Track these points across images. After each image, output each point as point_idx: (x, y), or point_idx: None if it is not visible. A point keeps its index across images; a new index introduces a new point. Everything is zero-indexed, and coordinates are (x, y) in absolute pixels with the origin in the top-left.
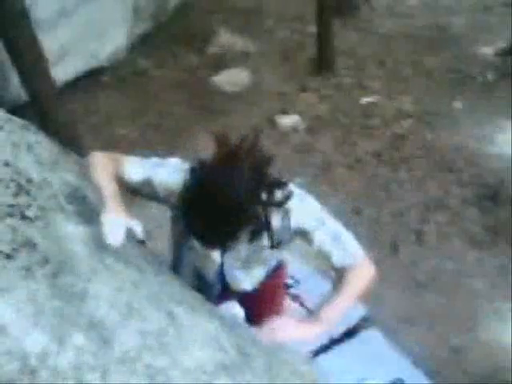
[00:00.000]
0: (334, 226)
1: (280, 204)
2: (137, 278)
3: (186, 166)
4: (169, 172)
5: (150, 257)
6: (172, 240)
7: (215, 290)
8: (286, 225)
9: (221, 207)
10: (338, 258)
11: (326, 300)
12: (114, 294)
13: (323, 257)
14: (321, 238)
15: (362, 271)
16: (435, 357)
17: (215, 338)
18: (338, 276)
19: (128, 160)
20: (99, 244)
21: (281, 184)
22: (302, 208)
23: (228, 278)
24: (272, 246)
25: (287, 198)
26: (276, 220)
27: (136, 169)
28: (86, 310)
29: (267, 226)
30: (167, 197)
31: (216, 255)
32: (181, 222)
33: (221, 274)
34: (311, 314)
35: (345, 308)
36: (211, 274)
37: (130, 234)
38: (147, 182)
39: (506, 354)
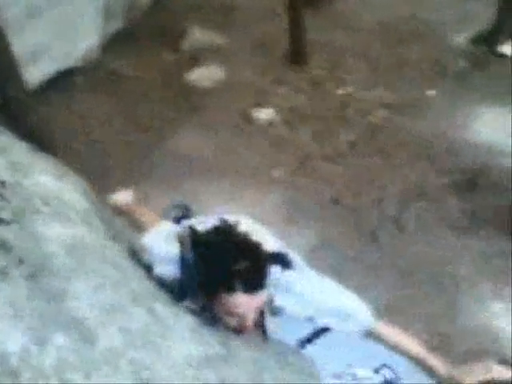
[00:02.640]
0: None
1: None
2: (117, 277)
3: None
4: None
5: (128, 254)
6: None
7: None
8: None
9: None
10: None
11: None
12: (95, 292)
13: None
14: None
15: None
16: (420, 342)
17: (198, 331)
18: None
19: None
20: (77, 244)
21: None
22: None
23: None
24: None
25: None
26: None
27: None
28: (66, 309)
29: None
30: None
31: None
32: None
33: None
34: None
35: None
36: None
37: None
38: None
39: (490, 338)
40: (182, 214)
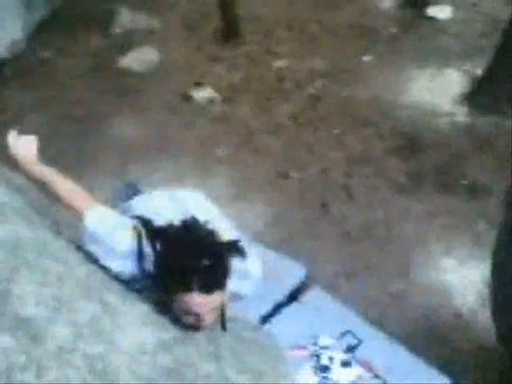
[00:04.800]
0: None
1: None
2: (62, 271)
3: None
4: (117, 264)
5: (74, 248)
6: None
7: None
8: None
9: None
10: None
11: None
12: (39, 289)
13: None
14: None
15: None
16: (376, 305)
17: (151, 318)
18: None
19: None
20: (17, 242)
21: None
22: None
23: None
24: None
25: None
26: None
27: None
28: (10, 310)
29: None
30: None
31: None
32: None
33: None
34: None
35: None
36: None
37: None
38: None
39: (441, 294)
40: (133, 192)
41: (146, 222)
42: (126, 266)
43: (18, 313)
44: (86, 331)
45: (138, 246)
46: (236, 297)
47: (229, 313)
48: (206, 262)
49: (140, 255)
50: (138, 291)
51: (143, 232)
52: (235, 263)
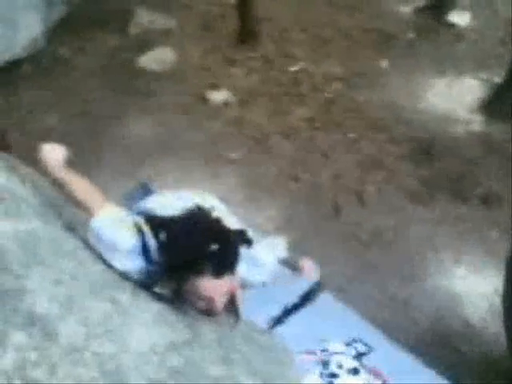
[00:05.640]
0: None
1: None
2: (75, 270)
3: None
4: (123, 263)
5: (87, 246)
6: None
7: None
8: None
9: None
10: None
11: None
12: (53, 287)
13: None
14: None
15: None
16: (385, 310)
17: (162, 318)
18: None
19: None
20: (31, 239)
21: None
22: None
23: None
24: None
25: None
26: None
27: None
28: (24, 307)
29: None
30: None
31: None
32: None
33: None
34: None
35: None
36: None
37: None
38: None
39: (451, 302)
40: (145, 193)
41: (148, 216)
42: (132, 264)
43: (31, 310)
44: (97, 330)
45: (142, 240)
46: (248, 284)
47: (240, 300)
48: (215, 247)
49: (144, 248)
50: (149, 286)
51: (144, 225)
52: (247, 251)
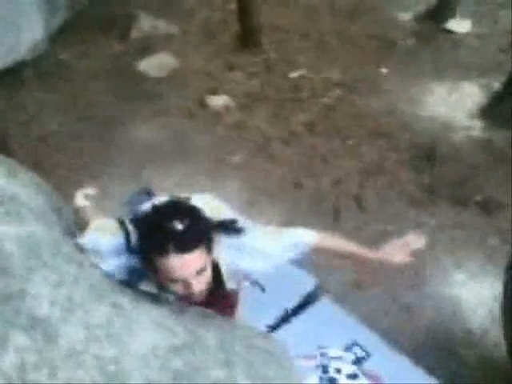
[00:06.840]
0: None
1: None
2: (76, 273)
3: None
4: (108, 264)
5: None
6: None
7: None
8: None
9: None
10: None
11: None
12: (54, 290)
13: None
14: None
15: None
16: (385, 316)
17: (163, 322)
18: None
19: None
20: (33, 242)
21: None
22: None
23: None
24: None
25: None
26: None
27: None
28: (25, 309)
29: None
30: None
31: None
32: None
33: None
34: None
35: None
36: None
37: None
38: None
39: (451, 308)
40: (146, 198)
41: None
42: (118, 262)
43: (32, 312)
44: (98, 333)
45: (126, 238)
46: (247, 276)
47: (226, 272)
48: (178, 223)
49: (128, 245)
50: (134, 285)
51: (129, 224)
52: (244, 241)
